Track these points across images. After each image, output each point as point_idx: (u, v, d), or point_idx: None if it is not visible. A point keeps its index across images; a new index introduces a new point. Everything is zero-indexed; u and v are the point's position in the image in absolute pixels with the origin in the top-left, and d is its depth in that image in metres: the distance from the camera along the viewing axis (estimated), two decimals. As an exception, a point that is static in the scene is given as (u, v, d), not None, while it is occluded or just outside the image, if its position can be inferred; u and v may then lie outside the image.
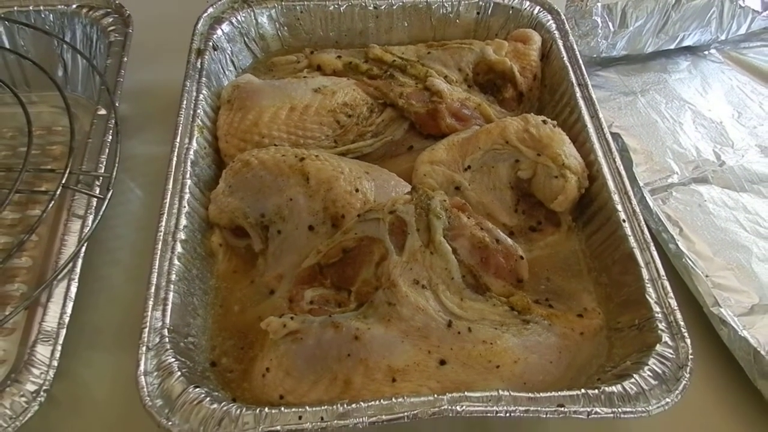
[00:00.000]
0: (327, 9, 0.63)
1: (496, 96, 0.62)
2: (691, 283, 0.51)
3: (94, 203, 0.47)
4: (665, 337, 0.43)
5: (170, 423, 0.37)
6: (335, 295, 0.46)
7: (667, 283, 0.45)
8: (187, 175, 0.49)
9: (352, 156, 0.55)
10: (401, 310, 0.44)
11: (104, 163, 0.49)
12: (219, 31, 0.60)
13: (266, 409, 0.38)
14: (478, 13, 0.65)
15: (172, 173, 0.49)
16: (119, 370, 0.46)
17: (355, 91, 0.58)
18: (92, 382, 0.46)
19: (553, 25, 0.63)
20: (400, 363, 0.42)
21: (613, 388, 0.41)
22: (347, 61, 0.61)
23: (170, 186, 0.48)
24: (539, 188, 0.53)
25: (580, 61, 0.59)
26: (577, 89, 0.57)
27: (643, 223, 0.48)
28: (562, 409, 0.39)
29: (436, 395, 0.39)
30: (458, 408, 0.38)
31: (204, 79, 0.56)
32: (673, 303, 0.44)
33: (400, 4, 0.63)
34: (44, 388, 0.38)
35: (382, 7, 0.63)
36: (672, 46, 0.72)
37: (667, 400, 0.40)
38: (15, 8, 0.60)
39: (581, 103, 0.56)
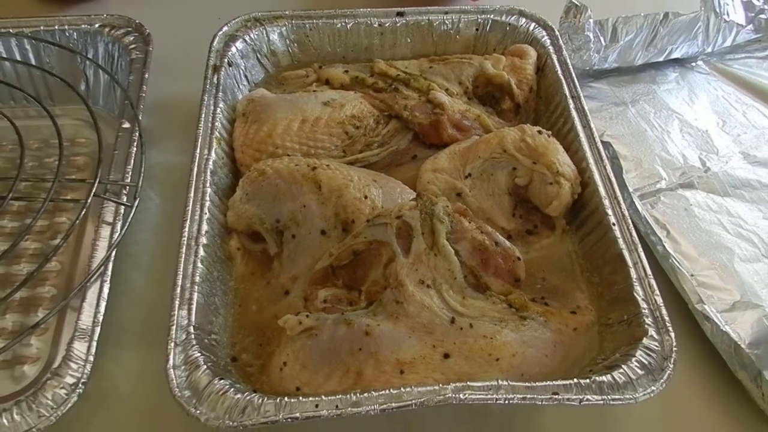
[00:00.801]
0: (334, 26, 0.66)
1: (494, 107, 0.64)
2: (677, 281, 0.54)
3: (122, 211, 0.51)
4: (651, 331, 0.46)
5: (198, 412, 0.40)
6: (347, 294, 0.49)
7: (653, 282, 0.48)
8: (207, 184, 0.52)
9: (360, 165, 0.58)
10: (408, 308, 0.46)
11: (130, 173, 0.53)
12: (233, 48, 0.63)
13: (285, 399, 0.41)
14: (477, 30, 0.67)
15: (194, 182, 0.52)
16: (145, 366, 0.49)
17: (362, 103, 0.60)
18: (120, 377, 0.48)
19: (548, 41, 0.66)
20: (407, 356, 0.45)
21: (603, 378, 0.43)
22: (354, 76, 0.64)
23: (192, 194, 0.51)
24: (535, 194, 0.56)
25: (573, 75, 0.62)
26: (570, 101, 0.60)
27: (631, 226, 0.51)
28: (557, 396, 0.42)
29: (441, 385, 0.42)
30: (461, 396, 0.41)
31: (220, 93, 0.59)
32: (659, 300, 0.47)
33: (404, 21, 0.66)
34: (82, 380, 0.41)
35: (387, 25, 0.66)
36: (661, 59, 0.74)
37: (653, 388, 0.43)
38: (41, 27, 0.63)
39: (574, 114, 0.59)
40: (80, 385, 0.41)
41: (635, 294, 0.48)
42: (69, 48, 0.63)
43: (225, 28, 0.64)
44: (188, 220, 0.50)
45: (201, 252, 0.48)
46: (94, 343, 0.43)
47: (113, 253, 0.47)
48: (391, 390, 0.42)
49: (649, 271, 0.49)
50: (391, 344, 0.45)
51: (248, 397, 0.41)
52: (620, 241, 0.50)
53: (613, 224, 0.51)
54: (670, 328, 0.45)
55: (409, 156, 0.60)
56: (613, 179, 0.54)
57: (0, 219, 0.57)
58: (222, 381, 0.42)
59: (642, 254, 0.50)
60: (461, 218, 0.51)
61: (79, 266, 0.55)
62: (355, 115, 0.59)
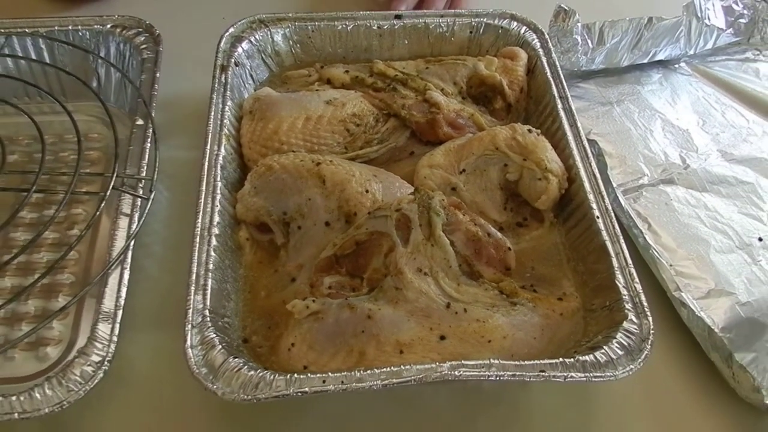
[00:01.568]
0: (336, 28, 0.68)
1: (487, 107, 0.67)
2: (657, 271, 0.57)
3: (138, 203, 0.54)
4: (631, 316, 0.49)
5: (215, 387, 0.43)
6: (350, 281, 0.52)
7: (633, 271, 0.51)
8: (218, 178, 0.55)
9: (361, 161, 0.61)
10: (407, 294, 0.49)
11: (145, 167, 0.56)
12: (240, 49, 0.65)
13: (295, 375, 0.44)
14: (470, 32, 0.70)
15: (205, 177, 0.55)
16: (162, 347, 0.52)
17: (362, 102, 0.63)
18: (138, 357, 0.51)
19: (538, 44, 0.68)
20: (406, 338, 0.48)
21: (587, 358, 0.46)
22: (354, 75, 0.67)
23: (203, 188, 0.54)
24: (525, 189, 0.59)
25: (561, 76, 0.65)
26: (558, 101, 0.63)
27: (614, 219, 0.54)
28: (544, 374, 0.45)
29: (437, 363, 0.45)
30: (456, 373, 0.44)
31: (228, 92, 0.61)
32: (639, 287, 0.50)
33: (401, 24, 0.69)
34: (107, 359, 0.44)
35: (385, 27, 0.69)
36: (645, 61, 0.77)
37: (631, 367, 0.46)
38: (56, 27, 0.65)
39: (562, 113, 0.62)
40: (105, 363, 0.44)
41: (617, 282, 0.51)
42: (82, 47, 0.66)
43: (231, 30, 0.66)
44: (201, 212, 0.53)
45: (213, 242, 0.51)
46: (117, 325, 0.46)
47: (132, 243, 0.50)
48: (392, 368, 0.44)
49: (629, 261, 0.52)
50: (392, 327, 0.48)
51: (261, 374, 0.44)
52: (603, 233, 0.53)
53: (597, 217, 0.54)
54: (648, 313, 0.49)
55: (407, 152, 0.63)
56: (598, 175, 0.57)
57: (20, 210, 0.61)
58: (236, 359, 0.45)
59: (623, 245, 0.53)
60: (456, 211, 0.54)
61: (95, 255, 0.58)
62: (356, 114, 0.62)
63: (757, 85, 0.76)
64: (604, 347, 0.47)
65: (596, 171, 0.58)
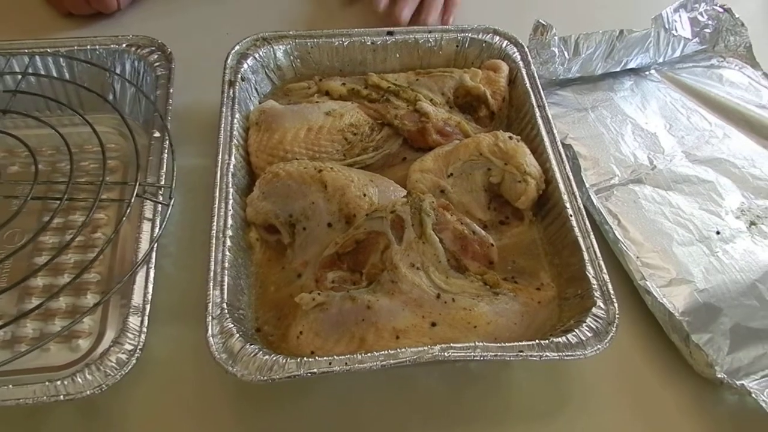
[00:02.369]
0: (333, 44, 0.74)
1: (472, 115, 0.72)
2: (625, 262, 0.62)
3: (159, 209, 0.60)
4: (599, 302, 0.54)
5: (235, 370, 0.49)
6: (350, 276, 0.57)
7: (602, 263, 0.56)
8: (230, 185, 0.60)
9: (358, 166, 0.66)
10: (402, 286, 0.55)
11: (164, 176, 0.62)
12: (245, 65, 0.70)
13: (305, 358, 0.50)
14: (457, 46, 0.75)
15: (218, 183, 0.60)
16: (183, 337, 0.57)
17: (358, 113, 0.69)
18: (161, 347, 0.56)
19: (518, 56, 0.73)
20: (401, 325, 0.53)
21: (560, 339, 0.51)
22: (350, 87, 0.72)
23: (217, 194, 0.59)
24: (506, 190, 0.64)
25: (540, 87, 0.70)
26: (536, 110, 0.68)
27: (585, 217, 0.60)
28: (522, 354, 0.50)
29: (429, 346, 0.50)
30: (446, 354, 0.49)
31: (236, 105, 0.67)
32: (606, 277, 0.55)
33: (393, 39, 0.74)
34: (139, 347, 0.50)
35: (378, 42, 0.74)
36: (618, 69, 0.82)
37: (599, 347, 0.51)
38: (75, 47, 0.70)
39: (540, 121, 0.67)
40: (138, 351, 0.50)
41: (587, 273, 0.56)
42: (100, 65, 0.71)
43: (237, 47, 0.72)
44: (215, 216, 0.58)
45: (228, 242, 0.57)
46: (146, 318, 0.52)
47: (156, 245, 0.56)
48: (389, 351, 0.50)
49: (599, 254, 0.57)
50: (389, 315, 0.54)
51: (274, 358, 0.50)
52: (576, 229, 0.59)
53: (570, 215, 0.60)
54: (614, 300, 0.54)
55: (400, 158, 0.68)
56: (571, 177, 0.63)
57: (46, 216, 0.66)
58: (252, 346, 0.51)
59: (593, 240, 0.58)
60: (444, 212, 0.59)
61: (117, 256, 0.63)
62: (353, 124, 0.68)
63: (720, 90, 0.82)
64: (576, 330, 0.53)
65: (570, 173, 0.63)
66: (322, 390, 0.56)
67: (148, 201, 0.59)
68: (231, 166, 0.62)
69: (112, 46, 0.72)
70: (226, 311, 0.53)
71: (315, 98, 0.72)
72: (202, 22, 0.88)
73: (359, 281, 0.57)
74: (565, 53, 0.78)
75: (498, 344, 0.52)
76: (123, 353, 0.50)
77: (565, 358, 0.51)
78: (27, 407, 0.49)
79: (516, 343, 0.52)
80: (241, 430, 0.54)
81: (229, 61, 0.71)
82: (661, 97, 0.81)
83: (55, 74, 0.72)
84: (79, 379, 0.48)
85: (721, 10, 0.85)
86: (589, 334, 0.53)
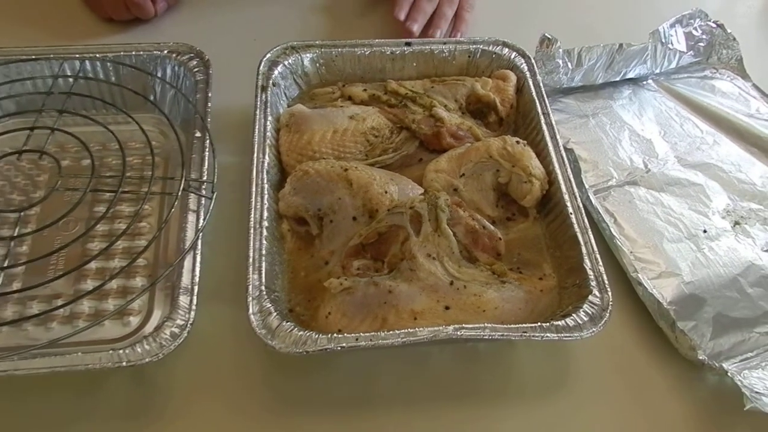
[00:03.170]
0: (355, 53, 0.80)
1: (483, 120, 0.78)
2: (620, 257, 0.68)
3: (203, 202, 0.66)
4: (595, 291, 0.59)
5: (273, 343, 0.55)
6: (373, 264, 0.63)
7: (598, 256, 0.62)
8: (264, 181, 0.67)
9: (379, 166, 0.72)
10: (419, 274, 0.61)
11: (206, 172, 0.69)
12: (276, 71, 0.76)
13: (334, 335, 0.57)
14: (469, 57, 0.81)
15: (254, 179, 0.66)
16: (222, 315, 0.63)
17: (379, 117, 0.75)
18: (205, 324, 0.61)
19: (525, 67, 0.79)
20: (419, 308, 0.59)
21: (559, 323, 0.57)
22: (371, 93, 0.78)
23: (253, 189, 0.65)
24: (513, 190, 0.70)
25: (545, 95, 0.76)
26: (542, 117, 0.74)
27: (584, 214, 0.65)
28: (525, 334, 0.56)
29: (444, 326, 0.57)
30: (459, 333, 0.55)
31: (268, 109, 0.73)
32: (602, 269, 0.61)
33: (410, 50, 0.80)
34: (190, 323, 0.56)
35: (397, 52, 0.80)
36: (617, 79, 0.87)
37: (594, 330, 0.57)
38: (121, 53, 0.77)
39: (544, 127, 0.73)
40: (188, 326, 0.56)
41: (584, 265, 0.61)
42: (144, 69, 0.78)
43: (268, 55, 0.78)
44: (252, 209, 0.64)
45: (264, 232, 0.62)
46: (195, 297, 0.59)
47: (201, 234, 0.63)
48: (408, 330, 0.56)
49: (596, 249, 0.62)
50: (407, 299, 0.60)
51: (308, 334, 0.55)
52: (575, 226, 0.64)
53: (570, 213, 0.65)
54: (608, 289, 0.59)
55: (417, 159, 0.74)
56: (572, 179, 0.68)
57: (96, 206, 0.73)
58: (288, 323, 0.57)
59: (591, 236, 0.63)
60: (458, 208, 0.64)
61: (162, 244, 0.70)
62: (374, 127, 0.74)
63: (712, 99, 0.87)
64: (573, 315, 0.58)
65: (571, 175, 0.69)
66: (345, 364, 0.63)
67: (192, 194, 0.66)
68: (265, 164, 0.69)
69: (155, 52, 0.78)
70: (264, 293, 0.59)
71: (339, 102, 0.79)
72: (231, 28, 0.95)
73: (381, 269, 0.63)
74: (569, 64, 0.83)
75: (504, 326, 0.58)
76: (175, 327, 0.57)
77: (564, 339, 0.56)
78: (91, 372, 0.56)
79: (520, 325, 0.58)
80: (273, 397, 0.61)
81: (261, 67, 0.77)
82: (657, 105, 0.87)
83: (102, 77, 0.78)
84: (138, 349, 0.55)
85: (714, 25, 0.91)
86: (585, 319, 0.58)
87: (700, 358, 0.61)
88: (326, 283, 0.62)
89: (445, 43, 0.82)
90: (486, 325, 0.57)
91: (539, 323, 0.58)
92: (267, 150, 0.70)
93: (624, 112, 0.86)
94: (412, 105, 0.77)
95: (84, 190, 0.64)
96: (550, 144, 0.73)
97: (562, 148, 0.72)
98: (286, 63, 0.79)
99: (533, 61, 0.80)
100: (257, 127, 0.71)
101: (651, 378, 0.63)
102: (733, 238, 0.71)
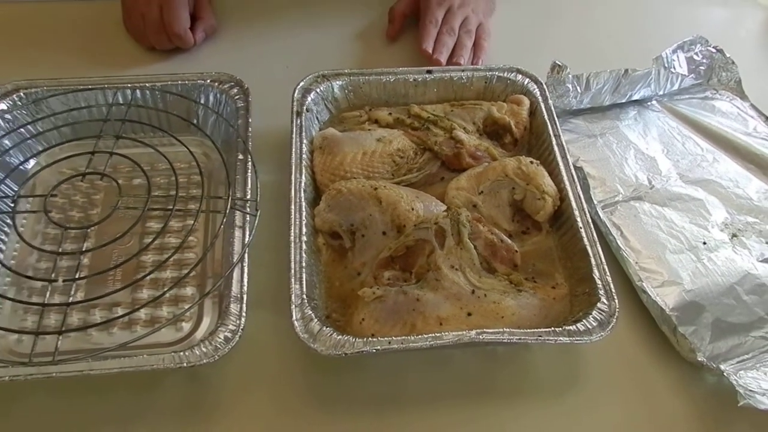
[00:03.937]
0: (381, 80, 0.86)
1: (498, 141, 0.83)
2: (626, 267, 0.72)
3: (247, 218, 0.73)
4: (603, 299, 0.64)
5: (315, 346, 0.60)
6: (402, 275, 0.68)
7: (606, 267, 0.67)
8: (301, 199, 0.73)
9: (404, 184, 0.78)
10: (444, 283, 0.65)
11: (249, 191, 0.75)
12: (309, 98, 0.83)
13: (369, 338, 0.63)
14: (486, 83, 0.87)
15: (293, 198, 0.72)
16: (269, 322, 0.69)
17: (404, 140, 0.81)
18: (252, 330, 0.65)
19: (537, 92, 0.85)
20: (444, 314, 0.64)
21: (571, 327, 0.61)
22: (396, 117, 0.85)
23: (293, 206, 0.71)
24: (528, 206, 0.75)
25: (556, 118, 0.82)
26: (553, 138, 0.80)
27: (593, 228, 0.70)
28: (541, 338, 0.61)
29: (466, 331, 0.62)
30: (481, 337, 0.60)
31: (303, 132, 0.80)
32: (609, 279, 0.66)
33: (432, 77, 0.87)
34: (241, 328, 0.63)
35: (419, 79, 0.87)
36: (623, 101, 0.93)
37: (602, 334, 0.61)
38: (168, 82, 0.84)
39: (556, 148, 0.79)
40: (240, 330, 0.63)
41: (593, 275, 0.66)
42: (188, 97, 0.85)
43: (302, 83, 0.84)
44: (292, 225, 0.70)
45: (303, 246, 0.69)
46: (244, 305, 0.65)
47: (247, 249, 0.70)
48: (435, 334, 0.62)
49: (603, 260, 0.68)
50: (433, 306, 0.64)
51: (345, 338, 0.61)
52: (585, 239, 0.69)
53: (580, 227, 0.71)
54: (615, 297, 0.65)
55: (439, 178, 0.80)
56: (582, 195, 0.74)
57: (147, 222, 0.79)
58: (327, 328, 0.63)
59: (599, 248, 0.69)
60: (477, 223, 0.69)
61: (208, 257, 0.77)
62: (400, 149, 0.80)
63: (713, 119, 0.93)
64: (584, 320, 0.62)
65: (580, 192, 0.75)
66: (377, 365, 0.68)
67: (238, 212, 0.73)
68: (302, 183, 0.75)
69: (198, 81, 0.85)
70: (305, 301, 0.66)
71: (366, 125, 0.85)
72: (263, 55, 1.01)
73: (409, 279, 0.68)
74: (578, 88, 0.88)
75: (521, 330, 0.64)
76: (228, 332, 0.64)
77: (575, 342, 0.61)
78: (152, 372, 0.63)
79: (536, 330, 0.63)
80: (313, 394, 0.67)
81: (295, 95, 0.84)
82: (661, 125, 0.92)
83: (151, 104, 0.86)
84: (197, 351, 0.62)
85: (714, 50, 0.97)
86: (594, 324, 0.63)
87: (700, 359, 0.65)
88: (360, 292, 0.68)
89: (463, 70, 0.89)
90: (504, 329, 0.62)
91: (552, 328, 0.63)
92: (303, 170, 0.77)
93: (630, 131, 0.91)
94: (433, 128, 0.84)
95: (143, 209, 0.71)
96: (561, 163, 0.78)
97: (572, 166, 0.78)
98: (318, 90, 0.86)
99: (545, 86, 0.85)
100: (294, 149, 0.78)
101: (655, 378, 0.68)
102: (731, 250, 0.76)
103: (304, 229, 0.71)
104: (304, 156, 0.79)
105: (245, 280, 0.67)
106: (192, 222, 0.73)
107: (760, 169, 0.87)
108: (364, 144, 0.80)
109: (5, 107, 0.82)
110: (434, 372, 0.68)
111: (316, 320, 0.64)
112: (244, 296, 0.66)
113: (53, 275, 0.69)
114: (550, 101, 0.85)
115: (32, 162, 0.84)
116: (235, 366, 0.68)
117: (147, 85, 0.85)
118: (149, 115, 0.86)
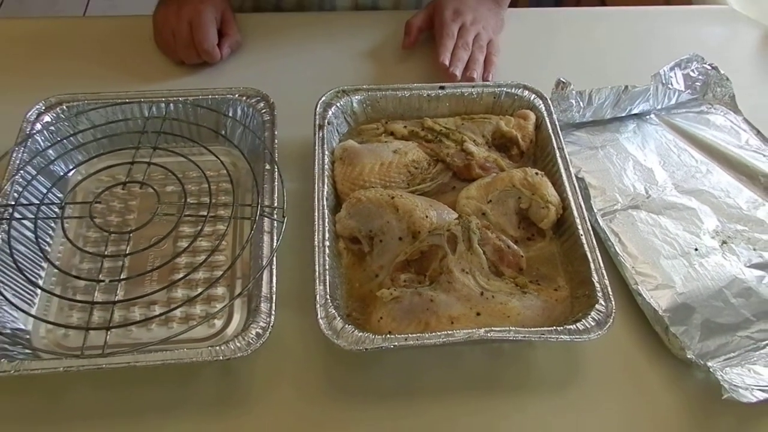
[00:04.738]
0: (397, 95, 0.92)
1: (506, 153, 0.88)
2: (623, 271, 0.76)
3: (275, 224, 0.80)
4: (601, 300, 0.68)
5: (339, 342, 0.66)
6: (417, 277, 0.72)
7: (604, 271, 0.71)
8: (324, 207, 0.78)
9: (419, 193, 0.83)
10: (455, 285, 0.70)
11: (276, 199, 0.82)
12: (330, 112, 0.89)
13: (387, 335, 0.68)
14: (494, 98, 0.93)
15: (316, 205, 0.78)
16: (293, 321, 0.74)
17: (418, 151, 0.87)
18: (277, 326, 0.70)
19: (543, 107, 0.91)
20: (455, 314, 0.68)
21: (571, 327, 0.66)
22: (410, 130, 0.90)
23: (316, 214, 0.77)
24: (533, 214, 0.78)
25: (560, 132, 0.87)
26: (557, 151, 0.85)
27: (593, 235, 0.75)
28: (543, 336, 0.66)
29: (476, 329, 0.68)
30: (489, 335, 0.66)
31: (324, 144, 0.86)
32: (607, 282, 0.71)
33: (444, 92, 0.92)
34: (271, 325, 0.69)
35: (432, 94, 0.92)
36: (623, 114, 0.98)
37: (599, 332, 0.66)
38: (200, 96, 0.91)
39: (559, 160, 0.84)
40: (270, 327, 0.69)
41: (593, 279, 0.70)
42: (218, 110, 0.91)
43: (323, 98, 0.90)
44: (316, 231, 0.76)
45: (326, 251, 0.75)
46: (273, 304, 0.72)
47: (276, 253, 0.76)
48: (447, 332, 0.67)
49: (602, 265, 0.73)
50: (446, 306, 0.69)
51: (366, 335, 0.67)
52: (585, 245, 0.74)
53: (581, 234, 0.76)
54: (612, 299, 0.70)
55: (450, 187, 0.85)
56: (583, 204, 0.79)
57: (180, 226, 0.86)
58: (349, 326, 0.69)
59: (598, 254, 0.74)
60: (486, 230, 0.73)
61: (240, 260, 0.82)
62: (415, 160, 0.86)
63: (707, 132, 0.98)
64: (583, 320, 0.67)
65: (582, 201, 0.80)
66: (393, 361, 0.72)
67: (266, 218, 0.79)
68: (324, 192, 0.81)
69: (227, 95, 0.92)
70: (329, 301, 0.72)
71: (382, 137, 0.91)
72: (285, 70, 1.08)
73: (423, 281, 0.72)
74: (581, 103, 0.92)
75: (526, 329, 0.70)
76: (259, 329, 0.70)
77: (575, 340, 0.66)
78: (189, 365, 0.69)
79: (539, 328, 0.68)
80: (334, 387, 0.73)
81: (317, 109, 0.90)
82: (658, 138, 0.96)
83: (183, 117, 0.92)
84: (231, 346, 0.68)
85: (709, 67, 1.02)
86: (593, 324, 0.67)
87: (689, 357, 0.70)
88: (378, 293, 0.74)
89: (473, 86, 0.94)
90: (510, 328, 0.67)
91: (555, 327, 0.68)
92: (325, 180, 0.83)
93: (629, 144, 0.95)
94: (446, 140, 0.90)
95: (179, 215, 0.78)
96: (564, 174, 0.83)
97: (574, 177, 0.84)
98: (338, 104, 0.92)
99: (550, 101, 0.90)
100: (316, 160, 0.85)
101: (648, 373, 0.73)
102: (721, 256, 0.81)
103: (326, 235, 0.77)
104: (326, 166, 0.85)
105: (274, 281, 0.74)
106: (223, 227, 0.79)
107: (750, 180, 0.91)
108: (382, 155, 0.86)
109: (49, 119, 0.89)
110: (445, 367, 0.73)
111: (338, 318, 0.70)
112: (274, 296, 0.72)
113: (99, 276, 0.75)
114: (555, 116, 0.91)
115: (72, 170, 0.90)
116: (263, 360, 0.74)
117: (180, 99, 0.91)
118: (181, 126, 0.92)
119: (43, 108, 0.89)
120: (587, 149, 0.94)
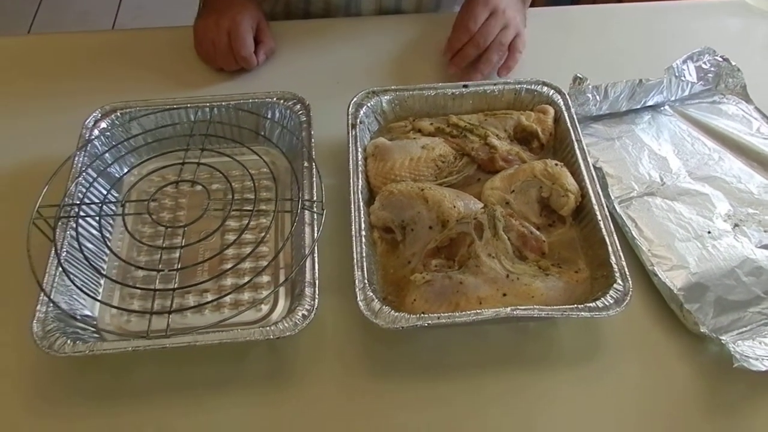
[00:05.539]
0: (423, 94, 0.97)
1: (527, 146, 0.93)
2: (640, 254, 0.80)
3: (315, 217, 0.87)
4: (618, 281, 0.72)
5: (377, 321, 0.73)
6: (447, 262, 0.77)
7: (622, 254, 0.75)
8: (359, 200, 0.84)
9: (446, 185, 0.89)
10: (482, 269, 0.75)
11: (315, 193, 0.89)
12: (361, 112, 0.95)
13: (421, 315, 0.75)
14: (515, 94, 0.98)
15: (352, 198, 0.84)
16: (333, 302, 0.80)
17: (445, 146, 0.93)
18: (319, 308, 0.76)
19: (561, 102, 0.95)
20: (483, 295, 0.74)
21: (592, 304, 0.70)
22: (437, 126, 0.96)
23: (352, 206, 0.83)
24: (553, 202, 0.82)
25: (578, 125, 0.91)
26: (575, 143, 0.90)
27: (610, 221, 0.80)
28: (566, 313, 0.72)
29: (503, 308, 0.74)
30: (515, 313, 0.71)
31: (357, 142, 0.93)
32: (624, 264, 0.75)
33: (468, 90, 0.98)
34: (315, 307, 0.76)
35: (457, 93, 0.98)
36: (638, 107, 1.02)
37: (618, 310, 0.70)
38: (241, 100, 0.98)
39: (578, 152, 0.89)
40: (315, 310, 0.76)
41: (611, 261, 0.74)
42: (257, 113, 0.98)
43: (355, 99, 0.96)
44: (353, 222, 0.82)
45: (363, 240, 0.82)
46: (317, 289, 0.79)
47: (317, 243, 0.83)
48: (476, 311, 0.73)
49: (620, 248, 0.77)
50: (474, 288, 0.74)
51: (402, 315, 0.73)
52: (603, 230, 0.77)
53: (600, 220, 0.78)
54: (629, 279, 0.74)
55: (475, 179, 0.89)
56: (600, 192, 0.84)
57: (228, 221, 0.93)
58: (386, 307, 0.76)
59: (616, 238, 0.78)
60: (510, 218, 0.78)
61: (281, 250, 0.90)
62: (442, 155, 0.92)
63: (719, 122, 1.02)
64: (602, 299, 0.72)
65: (599, 189, 0.85)
66: (426, 339, 0.78)
67: (307, 211, 0.86)
68: (359, 186, 0.88)
69: (266, 99, 0.99)
70: (367, 285, 0.79)
71: (411, 134, 0.97)
72: (317, 73, 1.14)
73: (453, 266, 0.77)
74: (597, 97, 0.96)
75: (549, 307, 0.76)
76: (305, 311, 0.77)
77: (595, 317, 0.71)
78: (240, 345, 0.76)
79: (561, 307, 0.73)
80: (372, 363, 0.79)
81: (350, 109, 0.96)
82: (672, 128, 1.00)
83: (226, 120, 0.99)
84: (280, 326, 0.76)
85: (721, 59, 1.06)
86: (611, 301, 0.72)
87: (703, 331, 0.74)
88: (411, 277, 0.81)
89: (495, 84, 1.00)
90: (535, 307, 0.72)
91: (576, 305, 0.73)
92: (359, 175, 0.90)
93: (644, 134, 0.99)
94: (470, 135, 0.96)
95: (228, 211, 0.85)
96: (582, 164, 0.86)
97: (592, 167, 0.89)
98: (368, 104, 0.98)
99: (568, 96, 0.94)
100: (351, 157, 0.91)
101: (664, 348, 0.77)
102: (733, 238, 0.85)
103: (362, 225, 0.84)
104: (359, 162, 0.91)
105: (316, 268, 0.80)
106: (266, 221, 0.86)
107: (761, 166, 0.94)
108: (411, 151, 0.93)
109: (105, 125, 0.96)
110: (474, 344, 0.78)
111: (376, 300, 0.77)
112: (316, 281, 0.79)
113: (160, 266, 0.83)
114: (573, 109, 0.94)
115: (127, 172, 0.98)
116: (307, 340, 0.81)
117: (223, 103, 0.98)
118: (224, 129, 1.00)
119: (99, 115, 0.96)
120: (604, 140, 0.98)
